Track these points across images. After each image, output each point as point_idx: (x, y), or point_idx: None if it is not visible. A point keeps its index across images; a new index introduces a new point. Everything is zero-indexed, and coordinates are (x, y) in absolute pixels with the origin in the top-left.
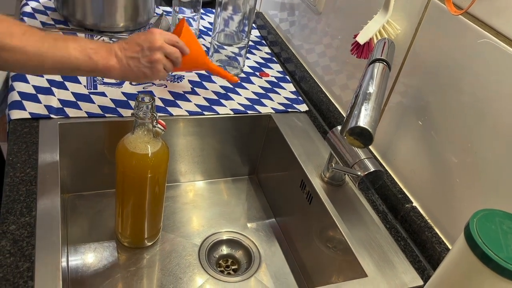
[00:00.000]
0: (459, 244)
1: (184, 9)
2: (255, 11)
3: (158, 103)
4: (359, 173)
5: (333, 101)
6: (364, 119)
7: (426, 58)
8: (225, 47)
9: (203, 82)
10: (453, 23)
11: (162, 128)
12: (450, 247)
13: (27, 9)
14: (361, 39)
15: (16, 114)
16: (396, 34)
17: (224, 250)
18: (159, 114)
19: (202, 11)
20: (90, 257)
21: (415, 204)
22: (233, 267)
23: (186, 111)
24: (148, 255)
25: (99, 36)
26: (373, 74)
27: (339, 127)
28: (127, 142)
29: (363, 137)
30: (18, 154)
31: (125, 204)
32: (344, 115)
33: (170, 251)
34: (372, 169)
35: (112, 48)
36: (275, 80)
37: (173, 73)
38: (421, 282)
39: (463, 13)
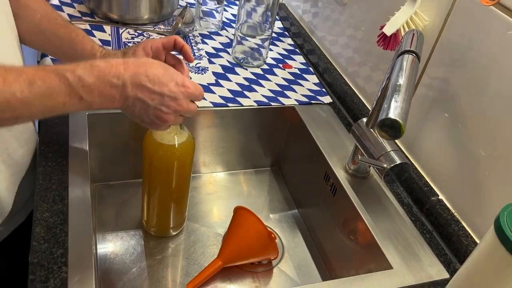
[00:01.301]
0: (489, 237)
1: (208, 1)
2: (278, 2)
3: None
4: (385, 165)
5: (357, 92)
6: (394, 111)
7: (454, 50)
8: (248, 38)
9: (227, 74)
10: (484, 14)
11: None
12: (477, 240)
13: (54, 1)
14: (388, 30)
15: None
16: (424, 25)
17: None
18: None
19: (225, 2)
20: (117, 245)
21: (441, 197)
22: None
23: (211, 102)
24: (173, 244)
25: (124, 28)
26: (402, 65)
27: (364, 119)
28: (154, 133)
29: (394, 129)
30: (50, 144)
31: (151, 194)
32: (369, 107)
33: (194, 241)
34: (398, 161)
35: (122, 76)
36: (298, 72)
37: (197, 65)
38: (447, 275)
39: (495, 4)
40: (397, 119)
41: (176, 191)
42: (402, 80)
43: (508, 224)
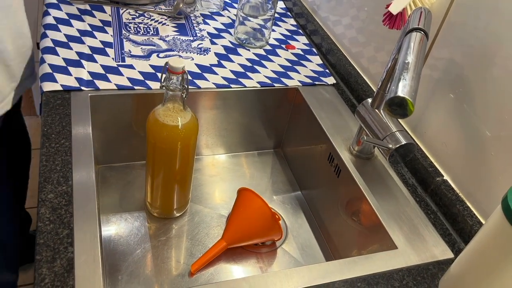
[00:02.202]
0: (496, 217)
1: None
2: None
3: None
4: (390, 146)
5: (361, 73)
6: (403, 89)
7: (461, 29)
8: (251, 18)
9: (229, 55)
10: None
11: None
12: (482, 220)
13: None
14: (394, 9)
15: (48, 86)
16: (431, 4)
17: None
18: None
19: None
20: (121, 227)
21: (446, 177)
22: None
23: (213, 83)
24: (177, 225)
25: (125, 9)
26: (410, 43)
27: (369, 100)
28: (158, 113)
29: (403, 107)
30: (52, 126)
31: (155, 175)
32: (373, 88)
33: (198, 222)
34: (404, 142)
35: None
36: (301, 53)
37: (199, 46)
38: (451, 255)
39: None
40: (406, 97)
41: (179, 172)
42: (410, 58)
43: None
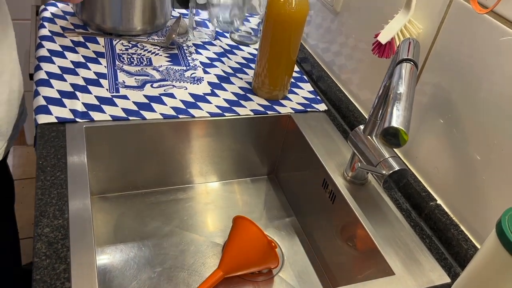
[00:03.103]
0: (491, 241)
1: (201, 11)
2: None
3: (179, 105)
4: (384, 172)
5: (352, 100)
6: (397, 119)
7: (448, 57)
8: (241, 47)
9: (222, 84)
10: (477, 21)
11: None
12: (476, 244)
13: (47, 14)
14: (383, 38)
15: (43, 119)
16: (418, 33)
17: None
18: (181, 116)
19: None
20: (116, 258)
21: (439, 202)
22: None
23: (207, 112)
24: (173, 255)
25: (118, 40)
26: (401, 74)
27: (361, 127)
28: None
29: (397, 137)
30: (47, 158)
31: (271, 53)
32: (364, 114)
33: (194, 251)
34: (397, 167)
35: None
36: (293, 80)
37: (193, 75)
38: (448, 280)
39: (488, 12)
40: (400, 127)
41: (293, 52)
42: (402, 89)
43: (510, 228)
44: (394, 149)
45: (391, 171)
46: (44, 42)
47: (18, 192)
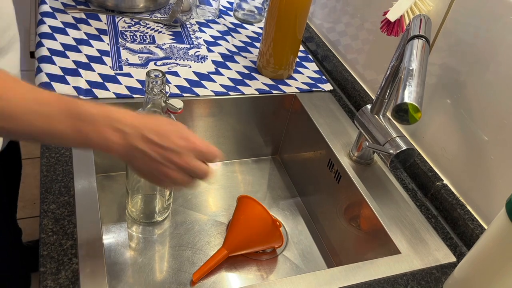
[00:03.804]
0: (500, 220)
1: None
2: None
3: (184, 83)
4: (391, 151)
5: (358, 80)
6: (410, 96)
7: (458, 35)
8: (245, 25)
9: (227, 63)
10: (489, 0)
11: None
12: (483, 224)
13: None
14: (392, 16)
15: None
16: (428, 11)
17: None
18: (185, 94)
19: None
20: (121, 236)
21: (445, 182)
22: None
23: (212, 91)
24: (178, 233)
25: (121, 17)
26: (413, 50)
27: (368, 106)
28: None
29: (409, 114)
30: None
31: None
32: (370, 94)
33: (199, 230)
34: (404, 147)
35: (125, 121)
36: (298, 60)
37: (196, 54)
38: (454, 259)
39: None
40: (414, 103)
41: (299, 31)
42: (414, 65)
43: None
44: (401, 129)
45: (398, 151)
46: (45, 19)
47: None
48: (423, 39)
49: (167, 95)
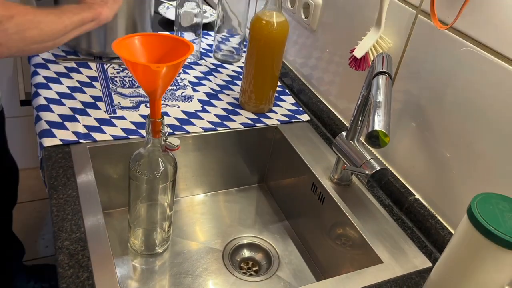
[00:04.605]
0: (463, 225)
1: (185, 33)
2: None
3: (174, 122)
4: (367, 172)
5: (332, 109)
6: (379, 124)
7: (416, 67)
8: (225, 65)
9: (211, 101)
10: (439, 36)
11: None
12: (452, 231)
13: None
14: (358, 53)
15: (48, 142)
16: (388, 47)
17: (245, 253)
18: (177, 132)
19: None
20: (125, 268)
21: (417, 196)
22: (254, 269)
23: (201, 127)
24: (177, 261)
25: (109, 64)
26: (379, 84)
27: (344, 133)
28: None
29: (380, 139)
30: (57, 178)
31: (257, 71)
32: (344, 122)
33: (197, 258)
34: (378, 167)
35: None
36: (276, 94)
37: (183, 94)
38: (430, 264)
39: (448, 28)
40: (383, 130)
41: (276, 68)
42: (381, 97)
43: (478, 211)
44: (374, 152)
45: (373, 171)
46: (39, 70)
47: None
48: (386, 74)
49: (166, 135)
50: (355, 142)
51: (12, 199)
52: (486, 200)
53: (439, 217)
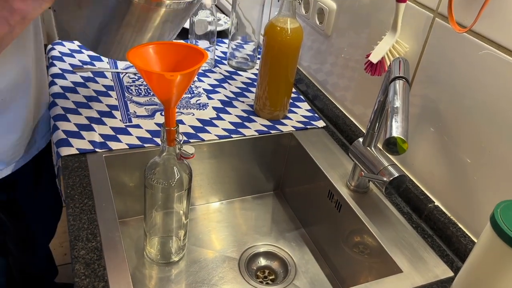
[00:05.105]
0: (486, 233)
1: (199, 41)
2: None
3: (189, 130)
4: (385, 179)
5: (348, 115)
6: (397, 130)
7: (434, 71)
8: (239, 72)
9: (226, 108)
10: (457, 39)
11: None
12: (474, 239)
13: (55, 53)
14: (374, 58)
15: (65, 151)
16: (405, 52)
17: (261, 261)
18: (192, 140)
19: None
20: (140, 277)
21: (437, 203)
22: (270, 278)
23: (216, 135)
24: (193, 270)
25: (124, 73)
26: (396, 90)
27: (360, 139)
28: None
29: (398, 146)
30: (74, 187)
31: (271, 78)
32: (361, 128)
33: (212, 267)
34: (396, 174)
35: None
36: (291, 101)
37: (198, 102)
38: (451, 274)
39: (467, 31)
40: (401, 136)
41: (290, 74)
42: (398, 103)
43: (502, 219)
44: (392, 158)
45: (391, 178)
46: (56, 80)
47: None
48: (403, 79)
49: (181, 143)
50: (372, 148)
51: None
52: (509, 208)
53: (460, 225)
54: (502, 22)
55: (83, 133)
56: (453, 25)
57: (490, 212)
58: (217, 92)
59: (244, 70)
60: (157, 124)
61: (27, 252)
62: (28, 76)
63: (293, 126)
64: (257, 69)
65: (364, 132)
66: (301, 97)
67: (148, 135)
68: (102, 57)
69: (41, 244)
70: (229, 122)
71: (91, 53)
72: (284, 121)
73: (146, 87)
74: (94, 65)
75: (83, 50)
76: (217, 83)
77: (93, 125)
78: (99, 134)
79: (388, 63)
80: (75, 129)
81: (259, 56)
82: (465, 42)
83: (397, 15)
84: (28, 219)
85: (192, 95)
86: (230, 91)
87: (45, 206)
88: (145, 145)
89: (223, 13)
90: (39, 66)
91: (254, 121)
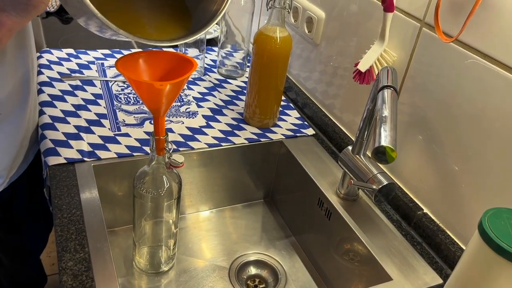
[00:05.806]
0: (474, 240)
1: (189, 49)
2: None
3: (179, 138)
4: (374, 187)
5: (337, 123)
6: (386, 139)
7: (421, 80)
8: (229, 80)
9: (216, 116)
10: (444, 48)
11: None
12: (462, 246)
13: (43, 61)
14: (362, 67)
15: (53, 160)
16: (393, 61)
17: (252, 270)
18: (181, 148)
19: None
20: (131, 287)
21: (425, 210)
22: (260, 286)
23: (205, 143)
24: (183, 280)
25: (113, 82)
26: (384, 99)
27: (349, 147)
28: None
29: (387, 154)
30: (62, 197)
31: (261, 87)
32: (349, 135)
33: (202, 276)
34: (385, 182)
35: None
36: (281, 109)
37: (187, 110)
38: (441, 281)
39: (453, 40)
40: (389, 145)
41: (280, 83)
42: (386, 112)
43: (489, 227)
44: (381, 166)
45: (380, 186)
46: (44, 88)
47: None
48: (391, 88)
49: (170, 152)
50: (361, 156)
51: None
52: (497, 215)
53: (449, 232)
54: (487, 32)
55: (71, 142)
56: (439, 35)
57: (478, 219)
58: (207, 100)
59: (234, 78)
60: (146, 133)
61: (18, 262)
62: (27, 85)
63: (282, 134)
64: (247, 77)
65: (353, 139)
66: (291, 105)
67: (137, 144)
68: (91, 66)
69: (33, 254)
70: (219, 130)
71: (80, 61)
72: (274, 129)
73: (135, 96)
74: (83, 73)
75: (71, 58)
76: (207, 91)
77: (81, 133)
78: (88, 143)
79: (376, 72)
80: (63, 138)
81: (249, 64)
82: (451, 52)
83: (384, 25)
84: (21, 231)
85: (182, 103)
86: (220, 99)
87: (38, 217)
88: (134, 154)
89: None
90: (35, 75)
91: (244, 129)
